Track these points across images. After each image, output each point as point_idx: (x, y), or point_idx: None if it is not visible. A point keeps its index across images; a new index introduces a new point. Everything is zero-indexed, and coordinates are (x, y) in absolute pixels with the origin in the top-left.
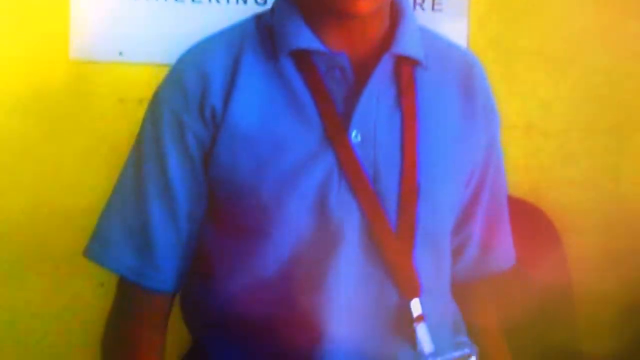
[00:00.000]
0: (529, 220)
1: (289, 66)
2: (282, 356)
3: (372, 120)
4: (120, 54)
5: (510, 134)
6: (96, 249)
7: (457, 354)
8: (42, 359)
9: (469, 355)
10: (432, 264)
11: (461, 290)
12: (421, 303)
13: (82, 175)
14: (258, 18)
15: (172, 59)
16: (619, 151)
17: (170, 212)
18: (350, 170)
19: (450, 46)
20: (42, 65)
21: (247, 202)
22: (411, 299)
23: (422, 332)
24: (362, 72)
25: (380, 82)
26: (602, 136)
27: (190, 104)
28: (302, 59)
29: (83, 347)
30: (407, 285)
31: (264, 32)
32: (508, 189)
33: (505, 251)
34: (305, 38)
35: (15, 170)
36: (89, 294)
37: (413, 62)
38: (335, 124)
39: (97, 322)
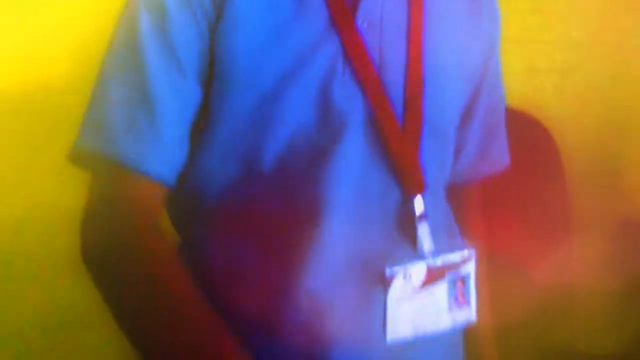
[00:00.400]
0: (527, 131)
1: None
2: (277, 249)
3: (379, 7)
4: None
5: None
6: (85, 137)
7: (456, 255)
8: None
9: (469, 257)
10: (437, 162)
11: (453, 193)
12: (423, 201)
13: None
14: None
15: None
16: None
17: (173, 78)
18: (356, 55)
19: None
20: None
21: (246, 89)
22: (415, 195)
23: (423, 230)
24: None
25: None
26: (601, 49)
27: None
28: None
29: None
30: (411, 182)
31: None
32: (506, 100)
33: (500, 152)
34: None
35: None
36: None
37: None
38: (341, 8)
39: None
